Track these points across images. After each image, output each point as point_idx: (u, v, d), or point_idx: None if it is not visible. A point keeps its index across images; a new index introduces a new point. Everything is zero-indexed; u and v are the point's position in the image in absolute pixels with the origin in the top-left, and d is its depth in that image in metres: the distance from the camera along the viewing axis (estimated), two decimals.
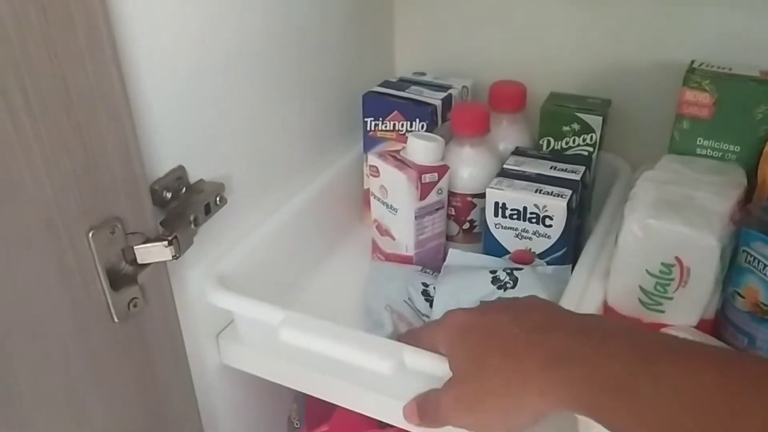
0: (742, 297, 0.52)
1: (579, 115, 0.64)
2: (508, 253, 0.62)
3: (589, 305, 0.52)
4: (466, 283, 0.59)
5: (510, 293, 0.57)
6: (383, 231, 0.65)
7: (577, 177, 0.60)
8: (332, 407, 0.64)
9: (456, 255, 0.64)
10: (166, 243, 0.47)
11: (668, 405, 0.35)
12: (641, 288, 0.51)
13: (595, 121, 0.64)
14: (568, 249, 0.61)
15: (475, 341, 0.44)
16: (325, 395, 0.57)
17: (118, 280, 0.45)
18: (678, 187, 0.52)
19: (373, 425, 0.61)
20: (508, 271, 0.59)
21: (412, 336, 0.50)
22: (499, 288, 0.58)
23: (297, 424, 0.68)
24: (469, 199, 0.64)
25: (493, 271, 0.60)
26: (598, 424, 0.37)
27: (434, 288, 0.60)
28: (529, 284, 0.57)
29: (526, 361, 0.40)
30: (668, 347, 0.38)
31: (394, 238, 0.64)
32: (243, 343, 0.58)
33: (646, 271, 0.50)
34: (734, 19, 0.63)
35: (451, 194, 0.64)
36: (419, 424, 0.48)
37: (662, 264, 0.50)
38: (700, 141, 0.58)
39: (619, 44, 0.70)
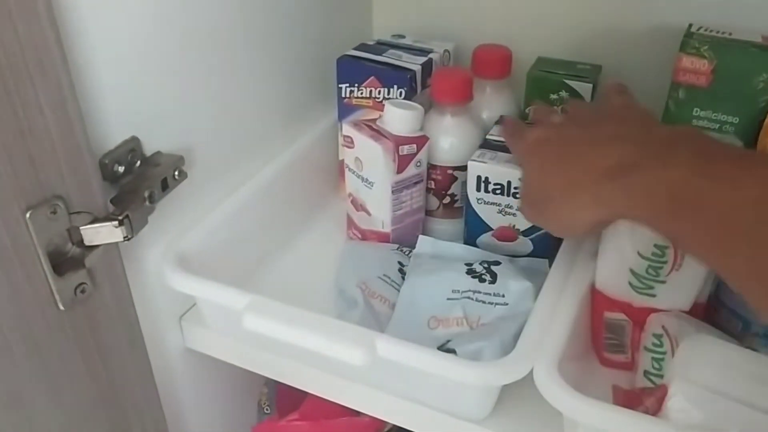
0: None
1: (568, 82, 0.61)
2: (491, 229, 0.58)
3: (576, 288, 0.49)
4: (438, 278, 0.55)
5: (489, 288, 0.53)
6: (358, 206, 0.61)
7: None
8: (305, 392, 0.61)
9: (426, 242, 0.61)
10: (116, 223, 0.43)
11: (727, 200, 0.34)
12: (632, 271, 0.48)
13: (584, 88, 0.61)
14: None
15: (546, 150, 0.46)
16: (294, 382, 0.54)
17: (62, 264, 0.41)
18: None
19: (346, 412, 0.58)
20: (485, 265, 0.56)
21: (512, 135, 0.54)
22: (475, 278, 0.54)
23: (267, 410, 0.65)
24: (450, 171, 0.60)
25: (468, 264, 0.56)
26: (655, 233, 0.39)
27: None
28: (510, 276, 0.54)
29: (587, 168, 0.41)
30: (729, 151, 0.38)
31: (369, 214, 0.60)
32: (207, 326, 0.54)
33: (638, 253, 0.47)
34: None
35: (431, 166, 0.60)
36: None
37: (655, 246, 0.46)
38: (696, 111, 0.54)
39: (611, 5, 0.66)
